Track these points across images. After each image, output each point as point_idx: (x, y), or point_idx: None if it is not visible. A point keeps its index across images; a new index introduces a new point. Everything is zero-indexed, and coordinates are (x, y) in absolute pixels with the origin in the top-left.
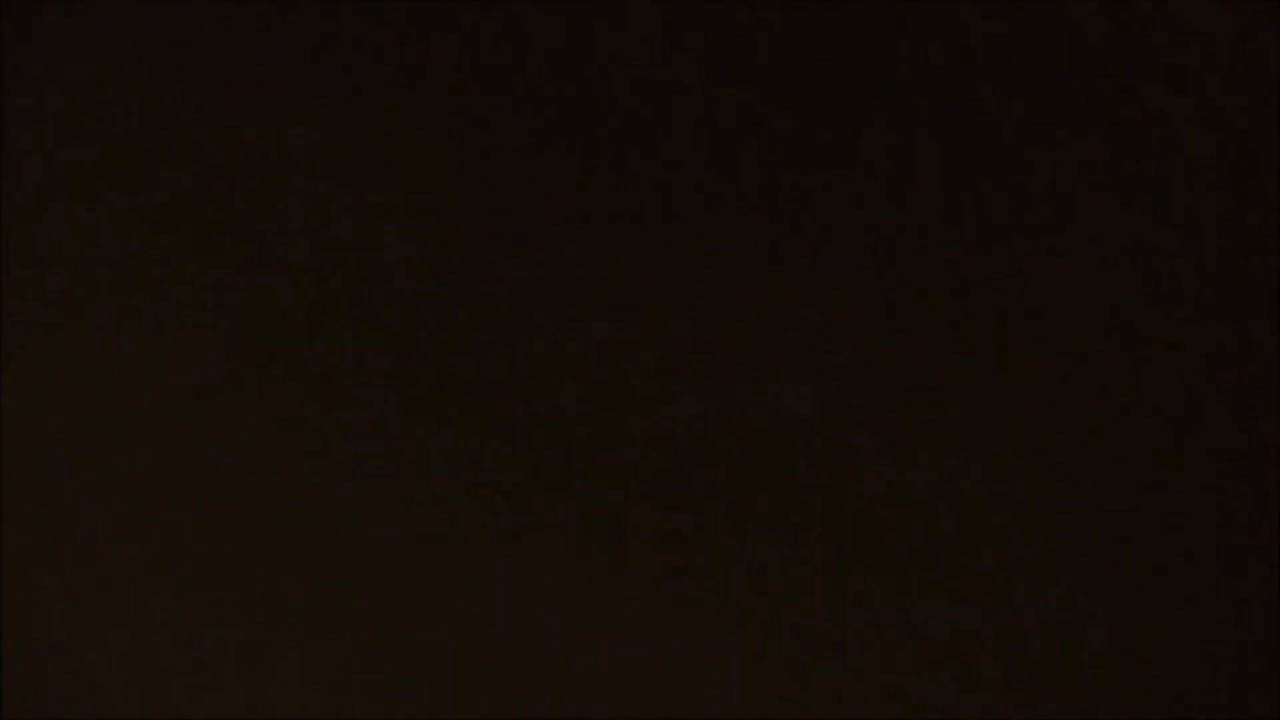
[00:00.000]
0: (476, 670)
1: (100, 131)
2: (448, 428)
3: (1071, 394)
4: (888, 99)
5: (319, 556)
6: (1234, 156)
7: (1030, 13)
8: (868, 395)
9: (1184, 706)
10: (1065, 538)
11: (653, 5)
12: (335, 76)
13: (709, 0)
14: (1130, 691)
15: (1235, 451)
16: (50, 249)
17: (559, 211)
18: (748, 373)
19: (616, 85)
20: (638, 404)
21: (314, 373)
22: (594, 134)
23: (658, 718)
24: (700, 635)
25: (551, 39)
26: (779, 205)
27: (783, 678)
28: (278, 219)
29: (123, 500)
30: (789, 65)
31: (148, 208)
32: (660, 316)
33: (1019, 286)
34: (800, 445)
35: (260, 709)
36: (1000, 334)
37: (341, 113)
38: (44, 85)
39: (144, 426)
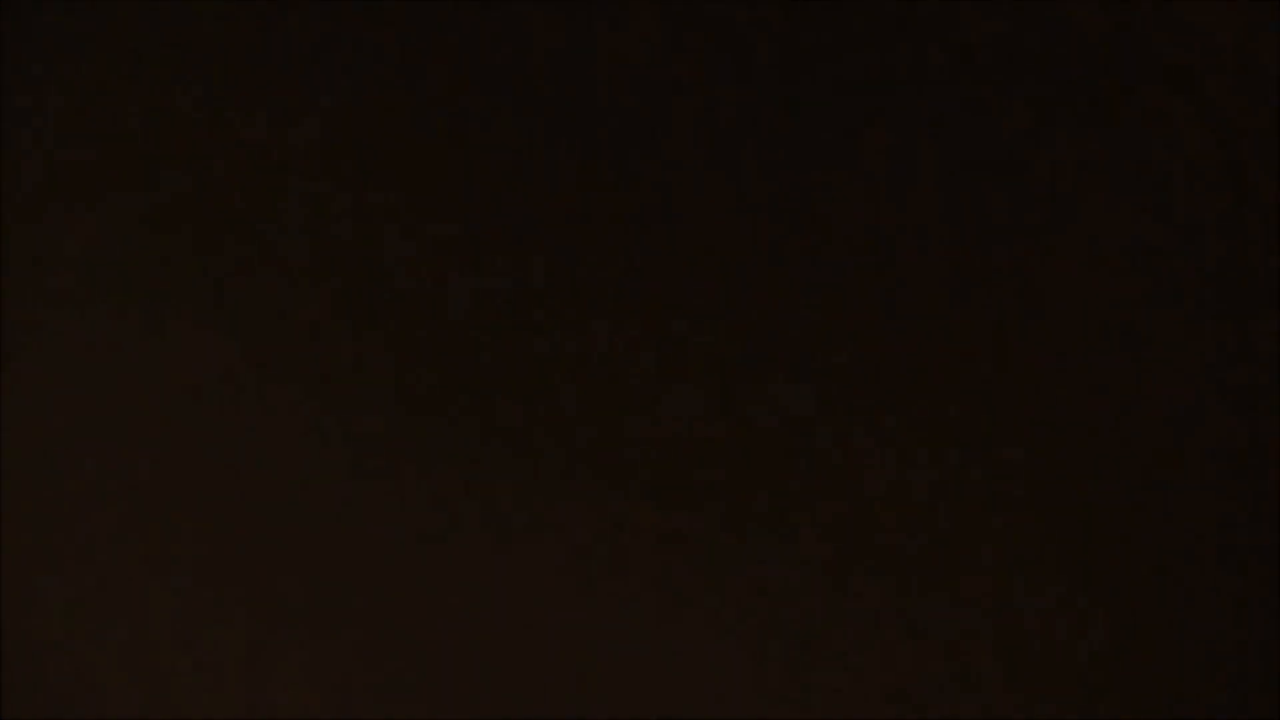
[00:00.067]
0: (476, 670)
1: (100, 131)
2: (448, 428)
3: (1071, 394)
4: (888, 99)
5: (319, 556)
6: (1234, 156)
7: (1030, 13)
8: (868, 395)
9: (1184, 706)
10: (1065, 538)
11: (653, 5)
12: (335, 76)
13: (709, 0)
14: (1130, 691)
15: (1235, 451)
16: (50, 249)
17: (559, 211)
18: (748, 373)
19: (616, 85)
20: (638, 404)
21: (314, 372)
22: (594, 134)
23: (658, 718)
24: (700, 635)
25: (551, 39)
26: (779, 205)
27: (783, 678)
28: (278, 219)
29: (123, 500)
30: (789, 65)
31: (148, 208)
32: (660, 316)
33: (1019, 286)
34: (800, 445)
35: (260, 709)
36: (1000, 334)
37: (341, 113)
38: (44, 85)
39: (144, 426)
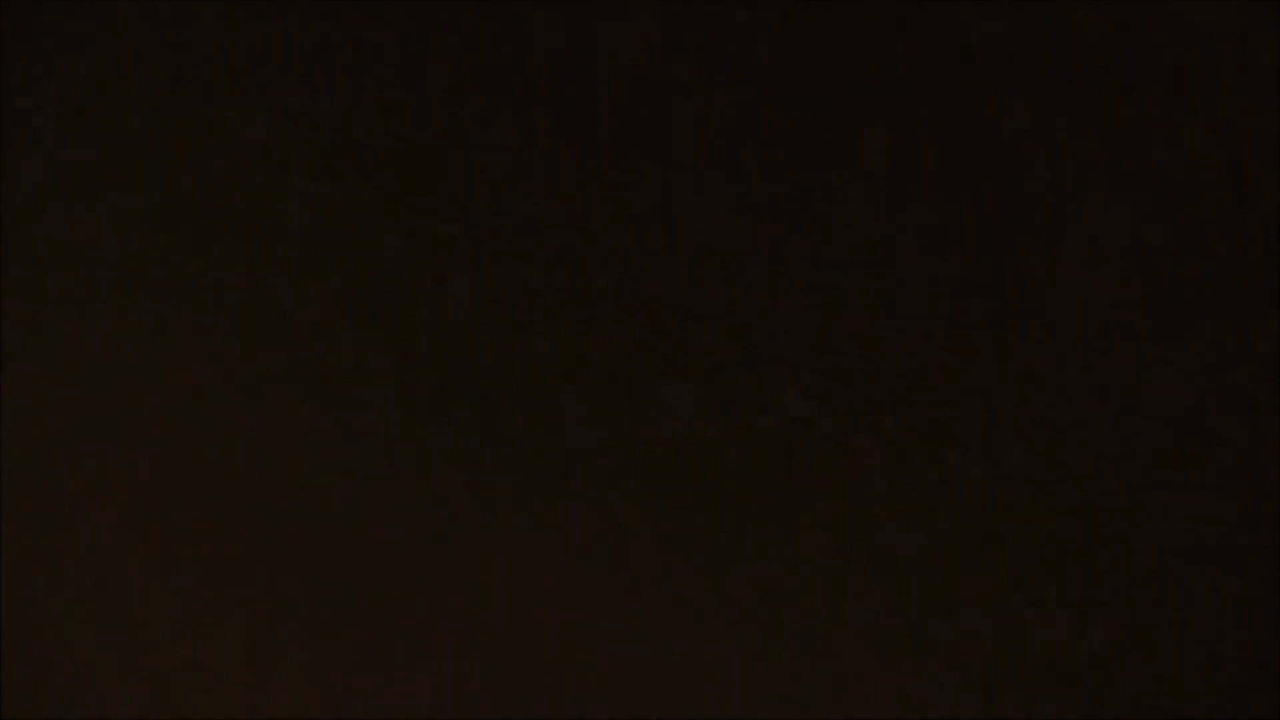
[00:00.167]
0: (476, 670)
1: (100, 131)
2: (448, 428)
3: (1072, 394)
4: (888, 99)
5: (319, 556)
6: (1234, 156)
7: (1030, 13)
8: (868, 395)
9: (1184, 706)
10: (1065, 538)
11: (653, 5)
12: (335, 76)
13: (709, 0)
14: (1130, 691)
15: (1235, 451)
16: (50, 249)
17: (559, 211)
18: (748, 373)
19: (616, 85)
20: (638, 404)
21: (314, 372)
22: (594, 134)
23: (658, 718)
24: (700, 635)
25: (551, 39)
26: (779, 205)
27: (783, 678)
28: (278, 219)
29: (123, 500)
30: (789, 65)
31: (148, 208)
32: (660, 316)
33: (1019, 286)
34: (800, 445)
35: (260, 709)
36: (1000, 334)
37: (341, 113)
38: (44, 85)
39: (144, 426)
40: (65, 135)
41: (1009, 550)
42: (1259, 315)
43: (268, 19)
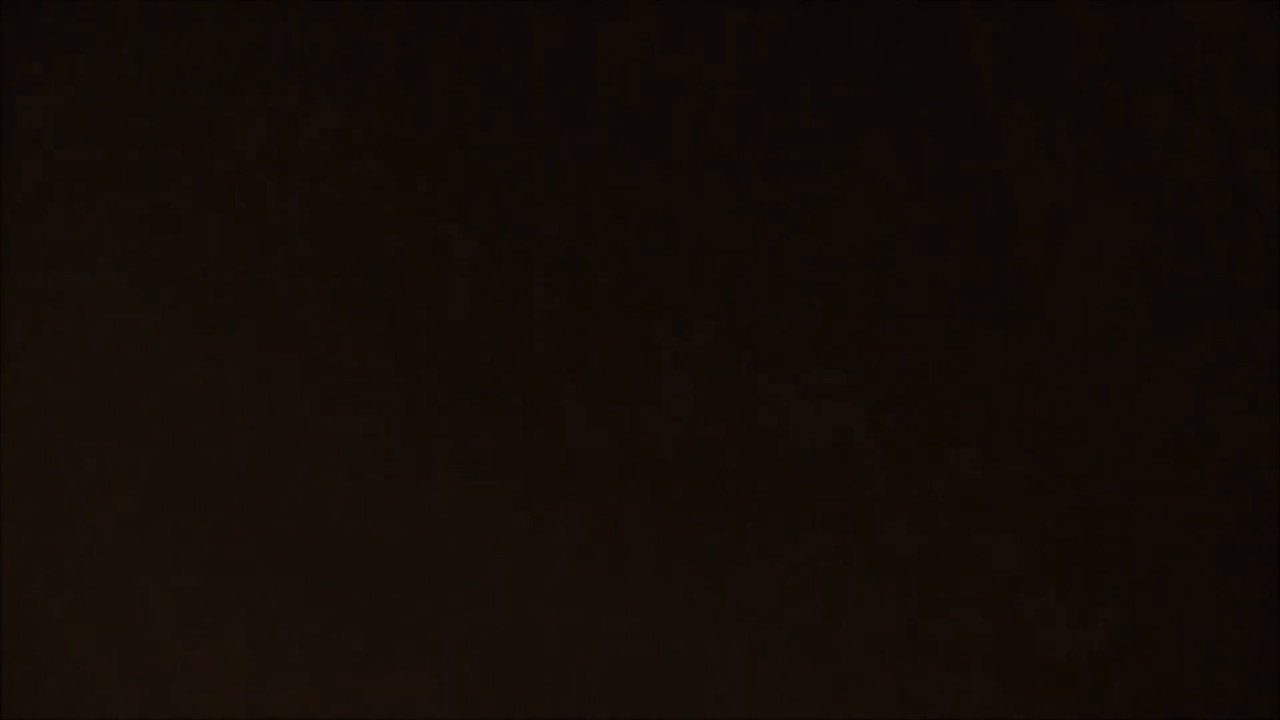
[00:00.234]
0: (477, 670)
1: (100, 131)
2: (448, 427)
3: (1072, 394)
4: (888, 99)
5: (319, 556)
6: (1234, 156)
7: (1030, 13)
8: (868, 395)
9: (1184, 706)
10: (1065, 538)
11: (653, 5)
12: (335, 76)
13: (709, 0)
14: (1130, 691)
15: (1235, 451)
16: (50, 249)
17: (559, 211)
18: (748, 373)
19: (616, 85)
20: (638, 404)
21: (314, 372)
22: (594, 134)
23: (658, 718)
24: (700, 635)
25: (551, 39)
26: (779, 205)
27: (783, 678)
28: (278, 219)
29: (123, 500)
30: (789, 65)
31: (148, 208)
32: (660, 316)
33: (1019, 286)
34: (800, 445)
35: (260, 709)
36: (1000, 334)
37: (342, 113)
38: (44, 85)
39: (144, 426)
40: (65, 135)
41: (1009, 550)
42: (1259, 315)
43: (268, 19)
